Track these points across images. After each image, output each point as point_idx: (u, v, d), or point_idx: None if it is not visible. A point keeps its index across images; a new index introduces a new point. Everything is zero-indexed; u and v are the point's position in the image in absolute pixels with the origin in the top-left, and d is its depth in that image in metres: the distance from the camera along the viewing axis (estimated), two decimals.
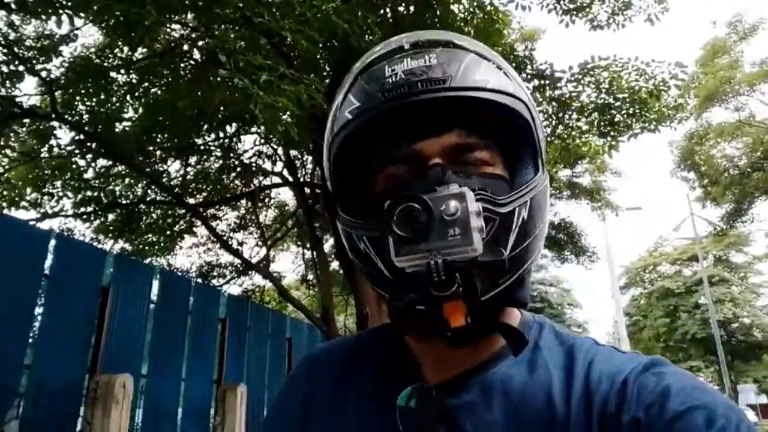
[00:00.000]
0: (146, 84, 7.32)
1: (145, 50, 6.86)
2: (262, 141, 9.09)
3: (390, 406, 0.60)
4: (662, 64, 7.00)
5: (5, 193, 8.38)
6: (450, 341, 0.53)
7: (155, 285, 6.52)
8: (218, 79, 3.51)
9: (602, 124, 7.66)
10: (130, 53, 6.44)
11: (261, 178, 9.94)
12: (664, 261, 32.84)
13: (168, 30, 6.55)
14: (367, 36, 4.88)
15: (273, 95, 3.24)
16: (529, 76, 7.37)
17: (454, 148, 0.59)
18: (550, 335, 0.64)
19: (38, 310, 5.09)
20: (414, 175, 0.59)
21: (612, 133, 7.75)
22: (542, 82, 7.40)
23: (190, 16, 5.65)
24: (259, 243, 11.22)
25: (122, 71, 7.05)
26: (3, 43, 5.73)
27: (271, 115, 3.24)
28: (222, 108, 5.32)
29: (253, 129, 8.38)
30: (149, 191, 9.01)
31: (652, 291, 32.19)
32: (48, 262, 5.19)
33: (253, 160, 9.33)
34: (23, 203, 8.31)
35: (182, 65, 6.78)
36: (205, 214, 9.48)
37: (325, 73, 6.82)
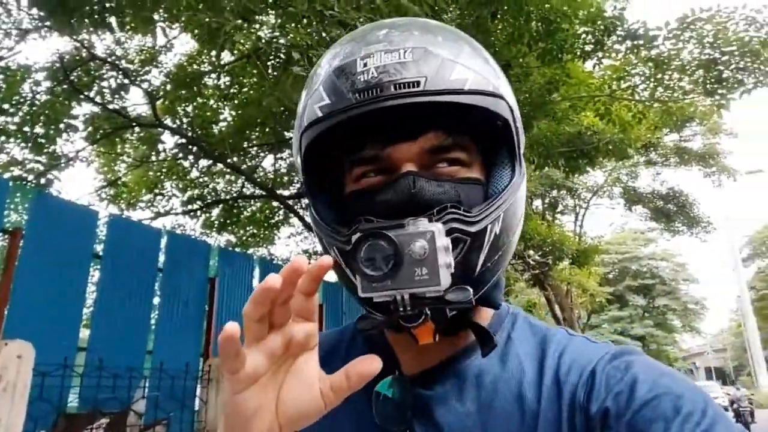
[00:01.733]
0: (236, 86, 7.76)
1: (236, 53, 7.29)
2: None
3: (366, 397, 0.61)
4: None
5: (124, 195, 9.31)
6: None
7: (256, 274, 6.96)
8: (294, 75, 3.65)
9: (708, 82, 6.97)
10: (216, 59, 6.85)
11: None
12: None
13: (253, 32, 6.93)
14: (441, 17, 4.82)
15: None
16: (620, 38, 6.87)
17: (428, 151, 0.58)
18: (524, 326, 0.65)
19: (156, 301, 5.64)
20: (384, 184, 0.57)
21: (720, 91, 7.03)
22: (636, 42, 6.87)
23: (271, 17, 5.93)
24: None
25: (213, 75, 7.51)
26: (109, 60, 6.31)
27: None
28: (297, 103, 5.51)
29: None
30: (246, 187, 9.57)
31: None
32: (161, 257, 5.72)
33: None
34: (140, 204, 9.18)
35: (269, 64, 7.14)
36: (298, 204, 9.90)
37: None
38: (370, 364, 0.47)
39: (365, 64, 0.55)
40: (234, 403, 0.47)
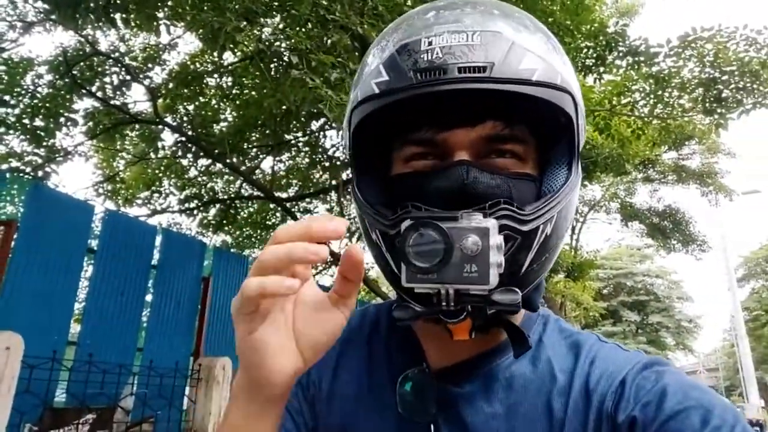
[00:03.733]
0: (238, 86, 7.77)
1: (238, 53, 7.31)
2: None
3: (390, 388, 0.59)
4: None
5: (122, 192, 9.29)
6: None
7: None
8: (292, 79, 3.67)
9: (707, 100, 7.01)
10: (218, 58, 6.87)
11: (347, 171, 10.19)
12: None
13: (257, 33, 6.97)
14: None
15: (343, 93, 3.33)
16: (621, 54, 6.92)
17: (484, 140, 0.55)
18: (554, 330, 0.63)
19: (148, 298, 5.62)
20: (435, 170, 0.55)
21: (719, 111, 7.06)
22: (637, 59, 6.91)
23: (277, 19, 5.96)
24: (346, 235, 11.51)
25: (215, 75, 7.53)
26: (112, 56, 6.33)
27: (340, 113, 3.27)
28: (298, 106, 5.53)
29: (336, 124, 8.62)
30: (244, 188, 9.56)
31: None
32: (156, 255, 5.71)
33: (337, 154, 9.60)
34: (137, 201, 9.17)
35: (272, 66, 7.16)
36: (296, 207, 9.89)
37: None
38: (354, 252, 0.46)
39: (430, 43, 0.52)
40: (250, 345, 0.47)
